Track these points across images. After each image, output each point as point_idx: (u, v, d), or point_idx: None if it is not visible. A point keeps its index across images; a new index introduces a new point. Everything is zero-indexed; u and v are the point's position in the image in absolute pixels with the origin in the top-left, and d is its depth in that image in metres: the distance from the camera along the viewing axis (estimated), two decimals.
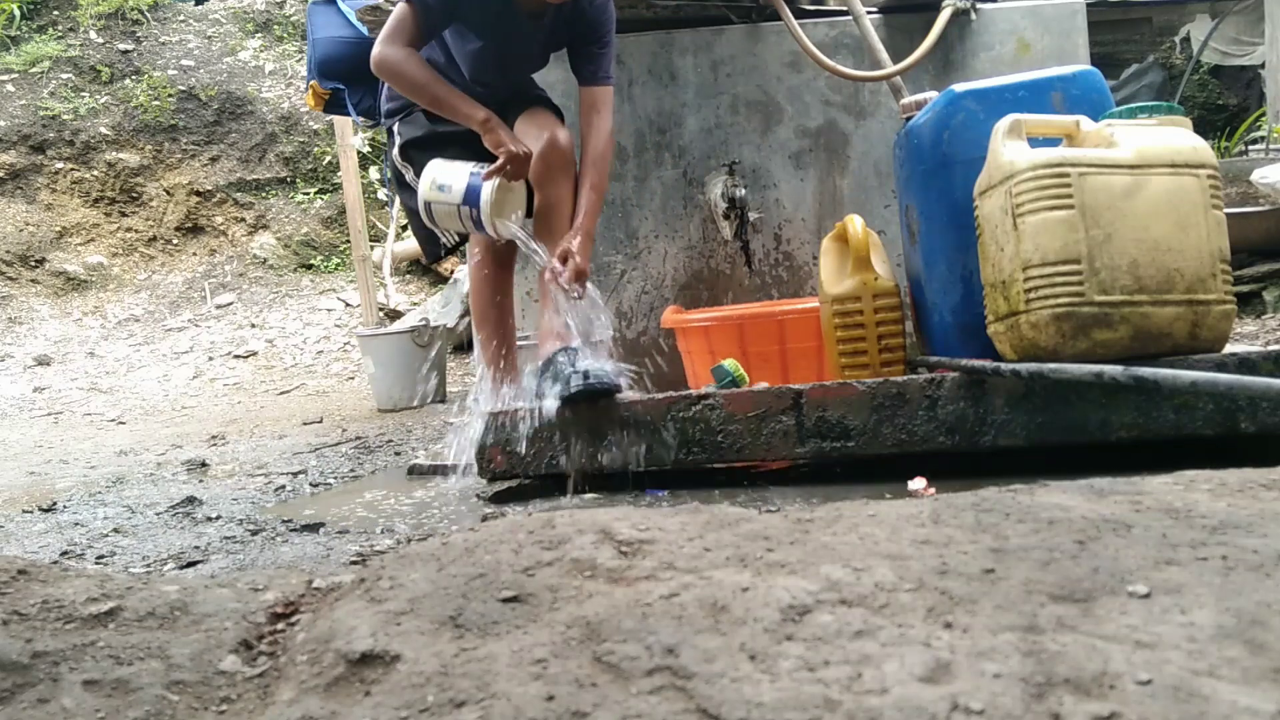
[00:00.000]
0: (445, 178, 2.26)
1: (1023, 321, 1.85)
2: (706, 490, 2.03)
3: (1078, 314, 1.78)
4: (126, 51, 8.39)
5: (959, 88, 2.16)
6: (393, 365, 4.66)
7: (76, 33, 8.44)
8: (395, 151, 2.46)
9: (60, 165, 7.83)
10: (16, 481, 3.26)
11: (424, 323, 5.05)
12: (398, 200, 2.66)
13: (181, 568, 1.76)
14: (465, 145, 2.36)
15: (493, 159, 2.30)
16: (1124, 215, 1.79)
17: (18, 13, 8.36)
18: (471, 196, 2.22)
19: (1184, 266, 1.80)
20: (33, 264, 7.54)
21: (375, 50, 2.30)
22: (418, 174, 2.37)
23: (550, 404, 2.09)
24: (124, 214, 7.92)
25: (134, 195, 7.94)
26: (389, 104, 2.45)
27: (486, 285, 2.47)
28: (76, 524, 2.30)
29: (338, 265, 7.80)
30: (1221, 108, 8.52)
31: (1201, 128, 4.31)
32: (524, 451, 2.13)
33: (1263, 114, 6.71)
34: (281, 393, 5.76)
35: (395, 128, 2.44)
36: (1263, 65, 7.13)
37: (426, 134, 2.42)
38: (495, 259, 2.45)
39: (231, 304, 7.42)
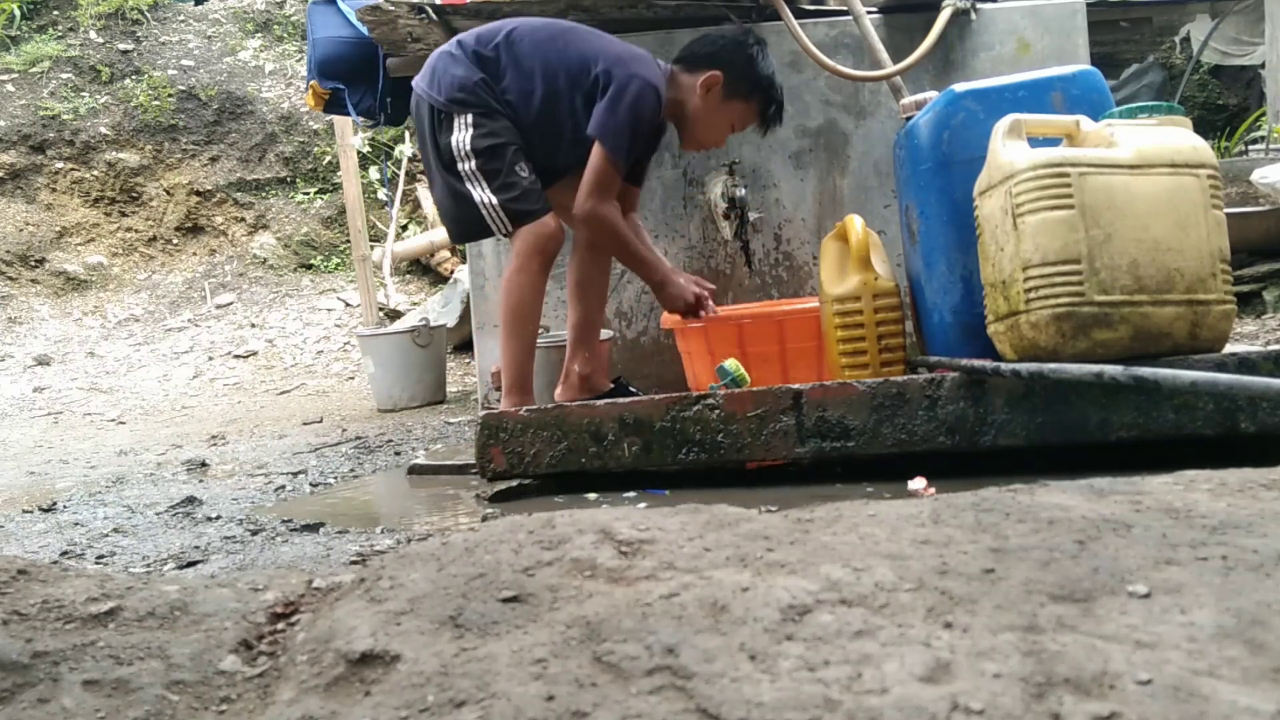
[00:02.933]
0: None
1: (1023, 321, 1.85)
2: (706, 490, 2.03)
3: (1078, 314, 1.78)
4: (126, 51, 8.39)
5: (959, 88, 2.16)
6: (393, 365, 4.66)
7: (76, 33, 8.44)
8: (467, 142, 2.43)
9: (60, 165, 7.83)
10: (16, 481, 3.26)
11: (424, 323, 5.05)
12: (431, 187, 2.65)
13: (181, 568, 1.76)
14: (530, 155, 2.49)
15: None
16: (1124, 215, 1.79)
17: (18, 13, 8.36)
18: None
19: (1184, 266, 1.80)
20: (33, 264, 7.54)
21: (590, 206, 2.45)
22: (485, 167, 2.42)
23: None
24: (124, 214, 7.92)
25: (134, 195, 7.94)
26: (459, 93, 2.43)
27: (531, 289, 2.48)
28: (76, 524, 2.30)
29: (338, 265, 7.80)
30: (1221, 108, 8.51)
31: (1201, 128, 4.31)
32: (524, 451, 2.13)
33: (1263, 114, 6.71)
34: (281, 393, 5.76)
35: (470, 119, 2.43)
36: (1263, 65, 7.13)
37: (510, 139, 2.45)
38: (541, 260, 2.47)
39: (231, 304, 7.42)
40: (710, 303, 2.54)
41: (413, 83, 2.59)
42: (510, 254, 2.52)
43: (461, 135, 2.43)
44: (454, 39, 2.57)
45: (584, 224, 2.51)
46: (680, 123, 2.61)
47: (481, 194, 2.43)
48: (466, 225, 2.53)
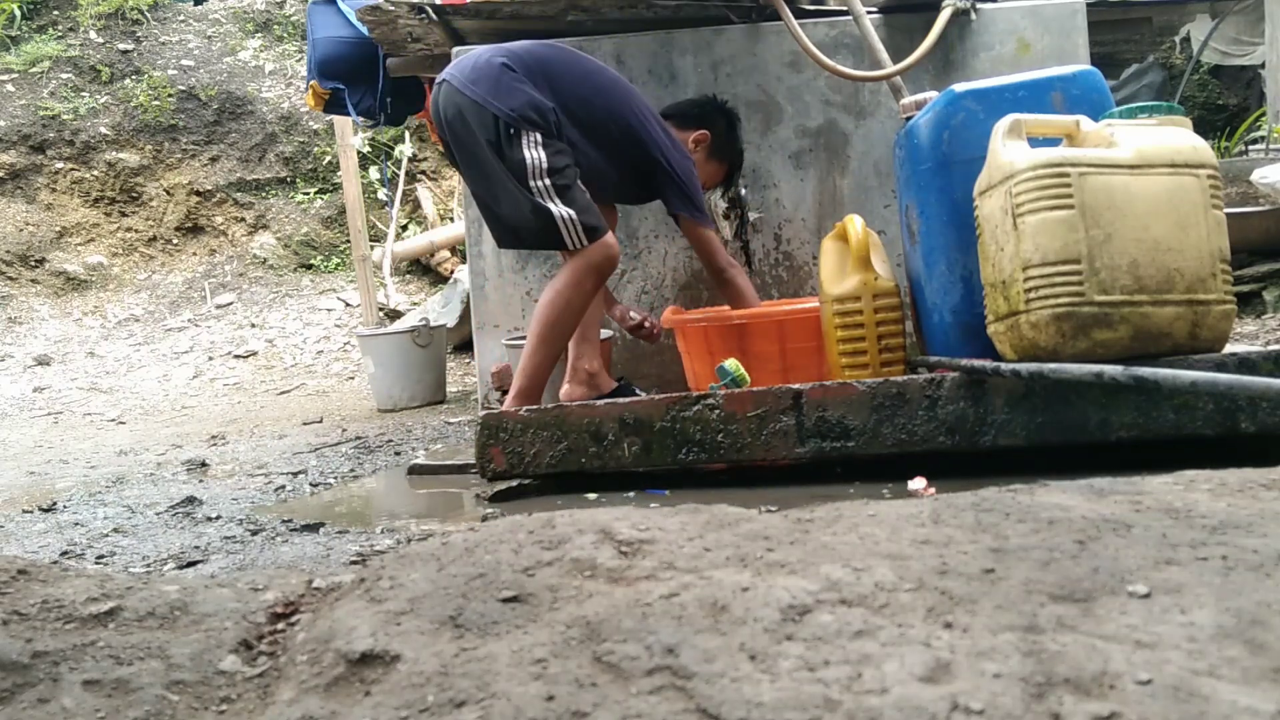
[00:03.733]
0: None
1: (1023, 321, 1.85)
2: (706, 490, 2.03)
3: (1078, 314, 1.78)
4: (126, 51, 8.39)
5: (959, 88, 2.16)
6: (393, 365, 4.66)
7: (76, 33, 8.44)
8: (544, 159, 2.44)
9: (60, 165, 7.83)
10: (16, 481, 3.26)
11: (424, 323, 5.05)
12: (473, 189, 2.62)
13: (181, 568, 1.76)
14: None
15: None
16: (1124, 215, 1.79)
17: (18, 13, 8.36)
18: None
19: (1184, 266, 1.80)
20: (33, 264, 7.54)
21: (726, 266, 2.67)
22: (558, 183, 2.44)
23: None
24: (124, 214, 7.92)
25: (134, 195, 7.94)
26: (532, 113, 2.44)
27: (577, 307, 2.49)
28: (76, 524, 2.30)
29: (338, 265, 7.80)
30: (1221, 108, 8.51)
31: (1201, 128, 4.31)
32: (524, 451, 2.13)
33: (1263, 114, 6.71)
34: (281, 393, 5.76)
35: (539, 139, 2.45)
36: (1263, 65, 7.13)
37: (576, 164, 2.50)
38: (598, 284, 2.52)
39: (231, 304, 7.42)
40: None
41: (450, 78, 2.52)
42: (566, 267, 2.50)
43: (536, 153, 2.44)
44: (497, 57, 2.53)
45: (731, 282, 2.67)
46: None
47: (560, 209, 2.44)
48: (538, 234, 2.51)
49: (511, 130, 2.44)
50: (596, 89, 2.58)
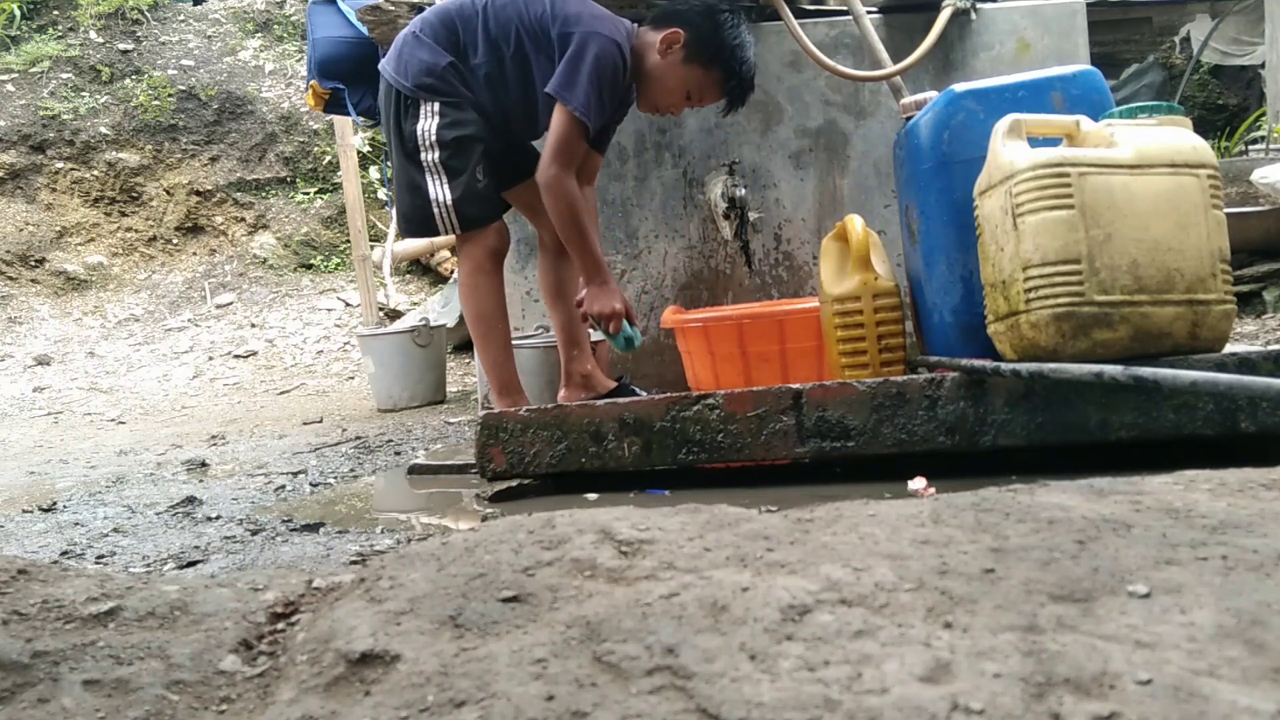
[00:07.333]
0: None
1: (1023, 321, 1.85)
2: (706, 490, 2.03)
3: (1078, 314, 1.78)
4: (126, 51, 8.39)
5: (959, 88, 2.16)
6: (393, 365, 4.66)
7: (76, 33, 8.44)
8: (433, 131, 2.36)
9: (60, 165, 7.83)
10: (16, 481, 3.26)
11: (424, 323, 5.05)
12: (403, 167, 2.47)
13: (181, 567, 1.76)
14: (510, 133, 2.46)
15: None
16: (1124, 215, 1.79)
17: (18, 13, 8.36)
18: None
19: (1184, 266, 1.80)
20: (33, 264, 7.54)
21: (555, 173, 2.32)
22: (449, 162, 2.36)
23: None
24: (124, 214, 7.93)
25: (134, 195, 7.95)
26: (427, 78, 2.35)
27: (491, 290, 2.45)
28: (76, 524, 2.30)
29: (338, 265, 7.80)
30: (1221, 108, 8.51)
31: (1201, 128, 4.31)
32: (524, 451, 2.13)
33: (1263, 114, 6.72)
34: (281, 393, 5.76)
35: (437, 107, 2.36)
36: (1263, 65, 7.14)
37: (478, 133, 2.39)
38: (494, 260, 2.45)
39: (231, 304, 7.42)
40: (622, 323, 2.45)
41: (379, 67, 2.49)
42: (460, 259, 2.50)
43: (428, 124, 2.36)
44: (411, 26, 2.47)
45: (545, 190, 2.36)
46: (639, 81, 2.51)
47: (438, 190, 2.36)
48: (417, 221, 2.45)
49: (409, 101, 2.38)
50: (495, 10, 2.41)
